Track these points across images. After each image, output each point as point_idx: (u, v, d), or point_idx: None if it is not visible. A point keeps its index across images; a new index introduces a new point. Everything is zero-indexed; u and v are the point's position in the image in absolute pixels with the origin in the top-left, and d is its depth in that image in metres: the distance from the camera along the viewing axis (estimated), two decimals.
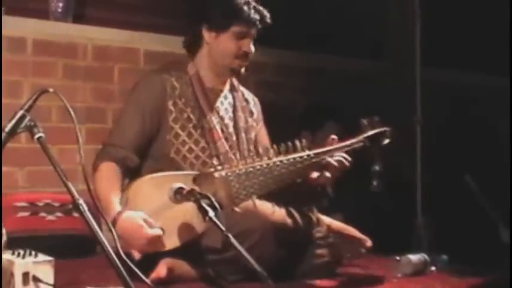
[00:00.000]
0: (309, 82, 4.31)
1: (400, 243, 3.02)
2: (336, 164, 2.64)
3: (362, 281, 2.76)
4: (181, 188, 2.38)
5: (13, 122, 1.98)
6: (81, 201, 1.92)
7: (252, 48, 2.73)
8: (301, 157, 2.63)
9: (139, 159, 2.65)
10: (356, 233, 2.99)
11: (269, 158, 2.60)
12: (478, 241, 3.13)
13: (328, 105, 3.88)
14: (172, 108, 2.67)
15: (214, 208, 2.21)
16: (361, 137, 2.73)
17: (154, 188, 2.52)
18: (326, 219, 2.94)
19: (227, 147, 2.70)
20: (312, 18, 4.38)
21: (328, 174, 2.66)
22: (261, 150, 2.64)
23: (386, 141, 2.77)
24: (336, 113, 3.80)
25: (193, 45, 2.78)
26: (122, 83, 3.58)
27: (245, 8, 2.68)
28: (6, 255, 2.17)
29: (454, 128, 4.62)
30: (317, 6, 4.40)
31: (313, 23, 4.36)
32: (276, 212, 2.63)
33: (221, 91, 2.81)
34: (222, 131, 2.74)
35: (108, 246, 1.85)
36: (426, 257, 2.90)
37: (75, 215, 2.85)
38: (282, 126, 3.08)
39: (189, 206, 2.38)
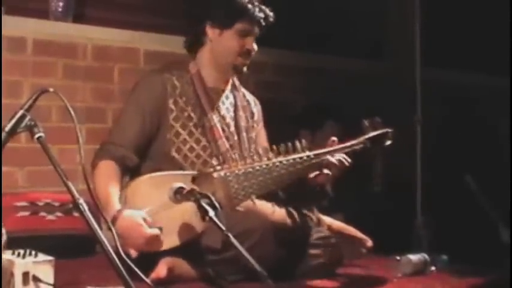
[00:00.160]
0: (308, 82, 4.31)
1: (400, 243, 3.02)
2: (336, 162, 2.64)
3: (362, 281, 2.77)
4: (181, 188, 2.38)
5: (13, 121, 1.98)
6: (81, 200, 1.91)
7: (255, 46, 2.73)
8: (301, 158, 2.62)
9: (139, 158, 2.65)
10: (356, 233, 2.99)
11: (269, 159, 2.60)
12: (478, 241, 3.13)
13: (328, 104, 3.88)
14: (173, 106, 2.67)
15: (214, 208, 2.21)
16: (362, 138, 2.72)
17: (153, 187, 2.52)
18: (327, 219, 2.95)
19: (228, 146, 2.70)
20: (312, 18, 4.38)
21: (327, 171, 2.65)
22: (260, 150, 2.63)
23: (388, 142, 2.75)
24: (335, 112, 3.80)
25: (195, 44, 2.78)
26: (122, 83, 3.58)
27: (249, 6, 2.68)
28: (7, 255, 2.17)
29: (454, 128, 4.62)
30: (317, 6, 4.40)
31: (313, 23, 4.37)
32: (276, 212, 2.63)
33: (223, 90, 2.81)
34: (223, 130, 2.74)
35: (108, 245, 1.85)
36: (426, 257, 2.90)
37: (75, 214, 2.87)
38: (282, 126, 3.08)
39: (188, 206, 2.38)
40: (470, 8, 4.83)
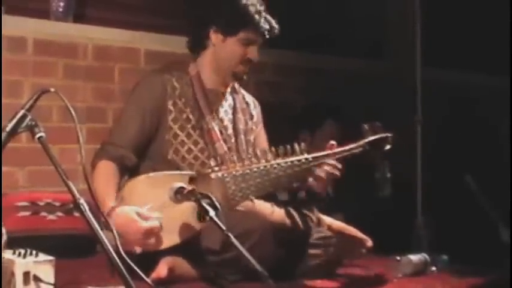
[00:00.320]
0: (308, 82, 4.31)
1: (400, 243, 3.02)
2: (323, 176, 2.64)
3: (362, 281, 2.77)
4: (182, 188, 2.38)
5: (14, 121, 1.98)
6: (82, 200, 1.92)
7: (257, 56, 2.73)
8: (299, 160, 2.62)
9: (138, 158, 2.65)
10: (357, 233, 2.99)
11: (267, 161, 2.60)
12: (478, 241, 3.13)
13: (328, 104, 3.88)
14: (171, 108, 2.67)
15: (215, 208, 2.21)
16: (361, 142, 2.71)
17: (150, 187, 2.52)
18: (327, 219, 2.95)
19: (225, 149, 2.70)
20: (312, 18, 4.38)
21: (322, 174, 2.65)
22: (258, 152, 2.63)
23: (388, 147, 2.74)
24: (335, 112, 3.80)
25: (197, 46, 2.78)
26: (123, 83, 3.58)
27: (256, 16, 2.68)
28: (7, 255, 2.17)
29: (454, 128, 4.62)
30: (317, 6, 4.40)
31: (313, 23, 4.37)
32: (275, 212, 2.64)
33: (222, 93, 2.81)
34: (221, 132, 2.74)
35: (108, 245, 1.85)
36: (426, 257, 2.90)
37: (76, 214, 2.86)
38: (282, 127, 3.08)
39: (185, 205, 2.38)
40: (470, 8, 4.83)
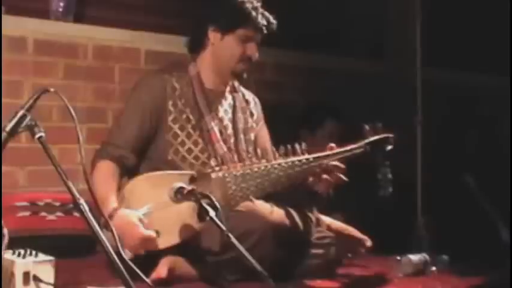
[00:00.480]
0: (308, 82, 4.31)
1: (400, 243, 3.02)
2: (330, 178, 2.64)
3: (362, 281, 2.77)
4: (182, 188, 2.38)
5: (14, 121, 1.98)
6: (81, 200, 1.92)
7: (256, 53, 2.73)
8: (300, 161, 2.62)
9: (137, 158, 2.65)
10: (356, 233, 2.98)
11: (267, 161, 2.60)
12: (478, 241, 3.13)
13: (328, 104, 3.88)
14: (171, 108, 2.67)
15: (215, 208, 2.21)
16: (362, 143, 2.70)
17: (150, 186, 2.53)
18: (326, 220, 2.94)
19: (225, 149, 2.70)
20: (312, 18, 4.38)
21: (326, 176, 2.64)
22: (259, 152, 2.63)
23: (389, 147, 2.73)
24: (335, 112, 3.80)
25: (196, 46, 2.78)
26: (123, 83, 3.57)
27: (253, 13, 2.68)
28: (7, 255, 2.17)
29: (454, 128, 4.62)
30: (317, 6, 4.40)
31: (314, 23, 4.36)
32: (274, 212, 2.63)
33: (222, 93, 2.81)
34: (221, 132, 2.74)
35: (108, 245, 1.85)
36: (427, 257, 2.90)
37: (76, 214, 2.86)
38: (282, 126, 3.08)
39: (184, 205, 2.38)
40: (470, 8, 4.83)
